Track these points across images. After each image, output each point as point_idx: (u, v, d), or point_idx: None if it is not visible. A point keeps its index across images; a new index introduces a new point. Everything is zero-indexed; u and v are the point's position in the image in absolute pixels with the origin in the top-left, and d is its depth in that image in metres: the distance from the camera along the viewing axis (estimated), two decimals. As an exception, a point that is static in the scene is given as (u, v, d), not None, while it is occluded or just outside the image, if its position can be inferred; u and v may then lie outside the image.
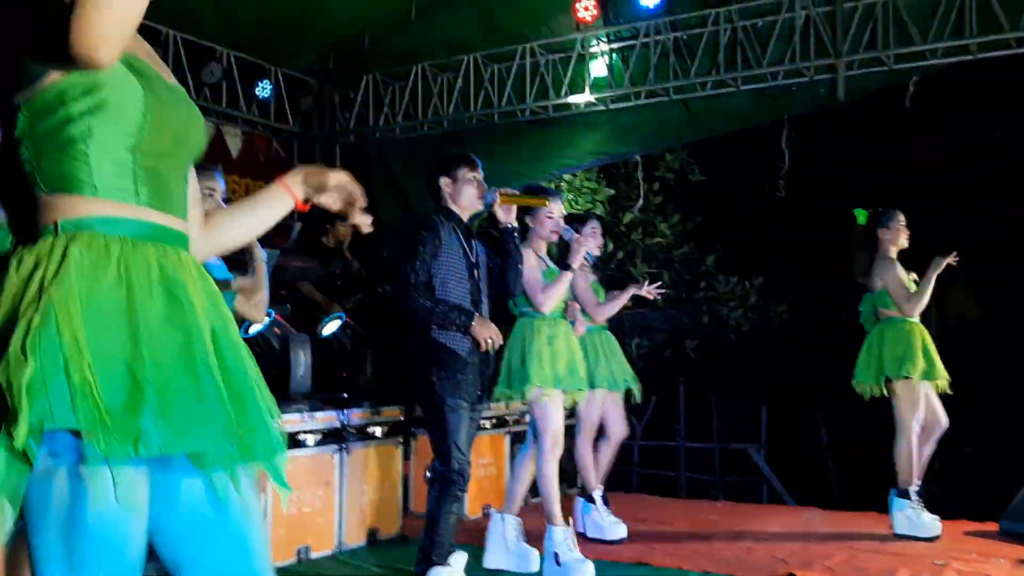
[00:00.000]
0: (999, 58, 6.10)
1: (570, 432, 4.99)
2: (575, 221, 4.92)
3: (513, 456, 5.90)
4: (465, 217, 3.65)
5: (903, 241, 5.03)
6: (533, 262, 4.24)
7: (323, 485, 4.47)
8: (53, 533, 1.35)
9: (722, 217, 10.50)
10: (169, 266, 1.47)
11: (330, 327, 4.86)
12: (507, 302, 4.25)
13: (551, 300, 4.16)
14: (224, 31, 7.45)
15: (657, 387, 9.30)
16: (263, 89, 7.96)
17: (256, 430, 1.49)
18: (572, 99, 7.37)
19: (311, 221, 7.89)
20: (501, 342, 3.63)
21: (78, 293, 1.37)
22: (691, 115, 7.06)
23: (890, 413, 5.12)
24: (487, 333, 3.50)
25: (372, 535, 4.77)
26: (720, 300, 10.23)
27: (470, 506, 5.47)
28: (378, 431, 4.88)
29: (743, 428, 10.42)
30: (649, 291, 5.09)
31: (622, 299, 4.88)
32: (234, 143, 8.17)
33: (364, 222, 1.87)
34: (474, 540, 4.67)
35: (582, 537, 4.82)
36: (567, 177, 8.49)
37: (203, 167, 2.63)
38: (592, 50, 7.31)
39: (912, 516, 4.96)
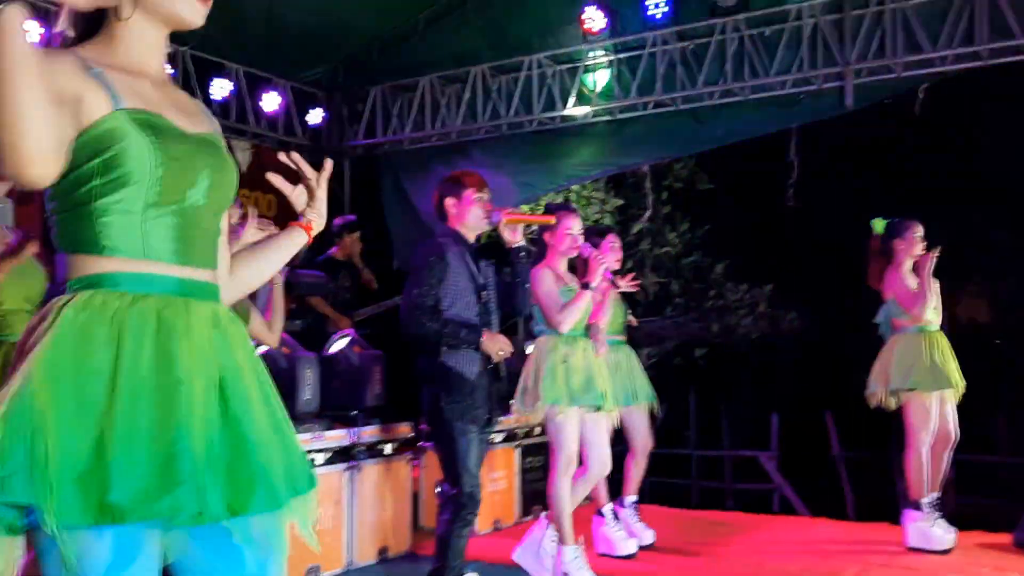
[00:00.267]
0: (1010, 64, 6.06)
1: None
2: (594, 235, 4.89)
3: (524, 470, 5.91)
4: (472, 238, 3.63)
5: (918, 252, 4.99)
6: (550, 281, 4.22)
7: (333, 504, 4.46)
8: None
9: (731, 225, 10.46)
10: (170, 319, 1.47)
11: (338, 345, 4.85)
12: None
13: (569, 319, 4.12)
14: (233, 46, 7.48)
15: (667, 395, 9.27)
16: (270, 102, 7.97)
17: (254, 482, 1.47)
18: (579, 110, 7.37)
19: (319, 235, 7.92)
20: (511, 351, 3.61)
21: (62, 357, 1.39)
22: (699, 125, 7.03)
23: (901, 422, 5.10)
24: (497, 346, 3.50)
25: (382, 553, 4.77)
26: (730, 308, 10.19)
27: (480, 521, 5.45)
28: (388, 448, 4.88)
29: (754, 436, 10.38)
30: (627, 283, 4.96)
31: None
32: (244, 157, 8.19)
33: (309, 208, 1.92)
34: (485, 556, 4.66)
35: (592, 552, 4.81)
36: (575, 187, 8.48)
37: None
38: (599, 60, 7.30)
39: (925, 529, 4.92)
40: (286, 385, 4.36)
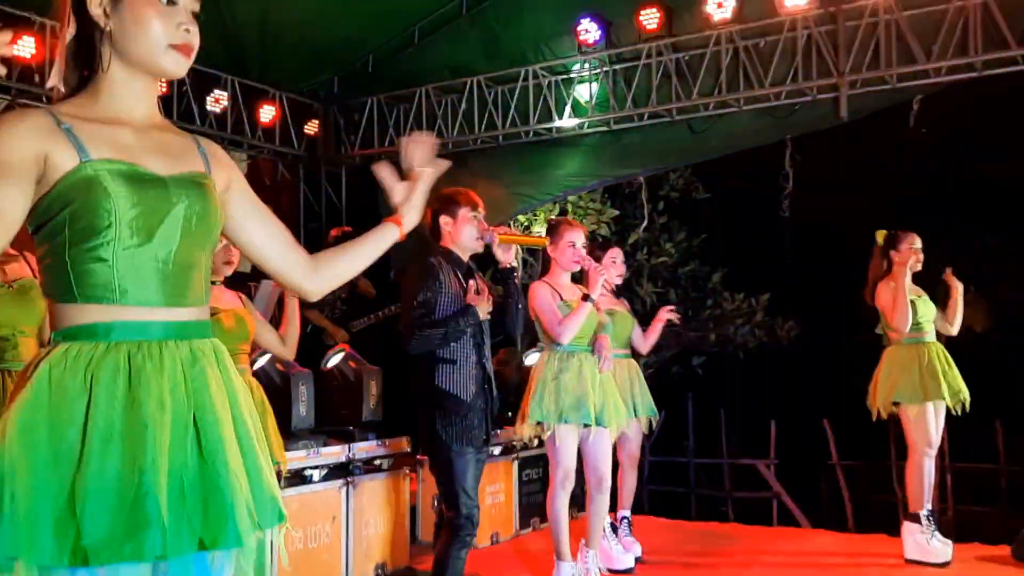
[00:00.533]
0: (1004, 75, 6.08)
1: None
2: (597, 250, 4.93)
3: (522, 482, 5.91)
4: (465, 257, 3.63)
5: (914, 264, 4.98)
6: (546, 294, 4.22)
7: (329, 520, 4.45)
8: None
9: (728, 234, 10.48)
10: (140, 364, 1.53)
11: (334, 360, 4.85)
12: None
13: (569, 330, 4.11)
14: (229, 58, 7.49)
15: (665, 402, 9.27)
16: (266, 113, 7.98)
17: (224, 519, 1.53)
18: (575, 120, 7.38)
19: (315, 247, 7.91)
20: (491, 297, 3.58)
21: (36, 412, 1.47)
22: (694, 136, 7.05)
23: (901, 432, 5.11)
24: (484, 303, 3.50)
25: (380, 569, 4.75)
26: (727, 317, 10.19)
27: (479, 534, 5.43)
28: (385, 463, 4.87)
29: (752, 443, 10.38)
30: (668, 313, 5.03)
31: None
32: (240, 168, 8.18)
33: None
34: (483, 569, 4.65)
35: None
36: (572, 198, 8.49)
37: None
38: (594, 72, 7.31)
39: (922, 541, 4.92)
40: (281, 401, 4.35)
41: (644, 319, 5.53)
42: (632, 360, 5.21)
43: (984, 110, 8.32)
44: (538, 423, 4.14)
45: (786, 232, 7.48)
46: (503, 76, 7.63)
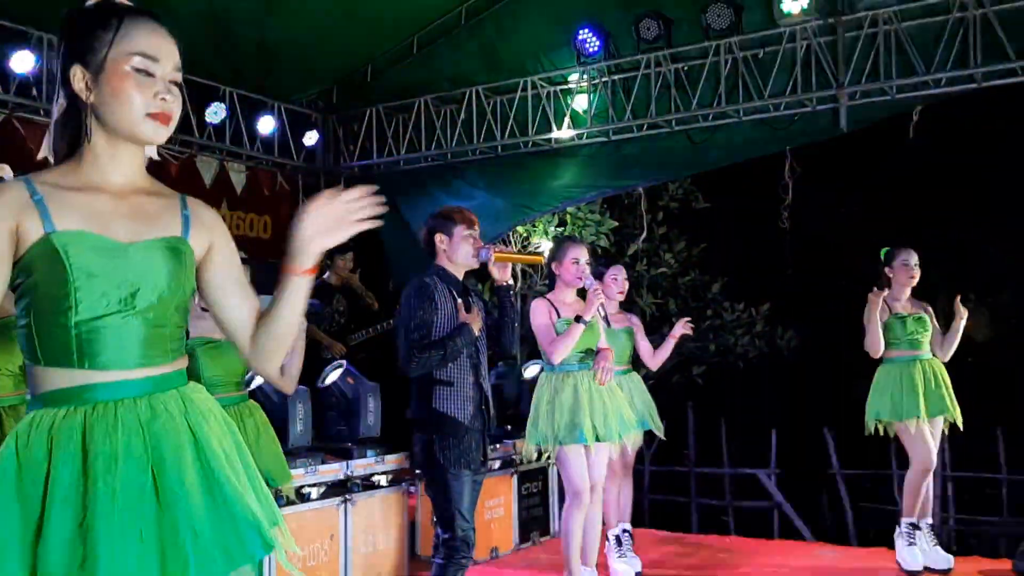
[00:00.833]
0: (1004, 87, 6.06)
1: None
2: (599, 266, 5.03)
3: (521, 496, 5.89)
4: (460, 274, 3.61)
5: (905, 280, 4.99)
6: (544, 312, 4.24)
7: (327, 538, 4.44)
8: None
9: (727, 244, 10.47)
10: (94, 426, 1.62)
11: (331, 376, 4.83)
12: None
13: (559, 351, 4.14)
14: (227, 69, 7.48)
15: (666, 412, 9.23)
16: (265, 124, 7.97)
17: (187, 563, 1.60)
18: (574, 131, 7.36)
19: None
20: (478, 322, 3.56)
21: (5, 481, 1.59)
22: (693, 147, 7.03)
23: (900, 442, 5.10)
24: (476, 320, 3.48)
25: (378, 586, 4.73)
26: (727, 327, 10.17)
27: (478, 549, 5.41)
28: (383, 479, 4.85)
29: (753, 453, 10.35)
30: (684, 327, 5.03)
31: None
32: (239, 179, 8.19)
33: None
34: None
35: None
36: (571, 209, 8.47)
37: None
38: (593, 82, 7.30)
39: (910, 552, 4.91)
40: (279, 419, 4.33)
41: (645, 329, 5.52)
42: (633, 374, 5.20)
43: (984, 121, 8.30)
44: (536, 445, 4.22)
45: (786, 242, 7.46)
46: (502, 87, 7.62)
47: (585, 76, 7.33)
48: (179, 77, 1.73)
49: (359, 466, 4.70)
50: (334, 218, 1.76)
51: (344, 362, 4.97)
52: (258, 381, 4.39)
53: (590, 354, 4.30)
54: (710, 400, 10.67)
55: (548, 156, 7.63)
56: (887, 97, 6.31)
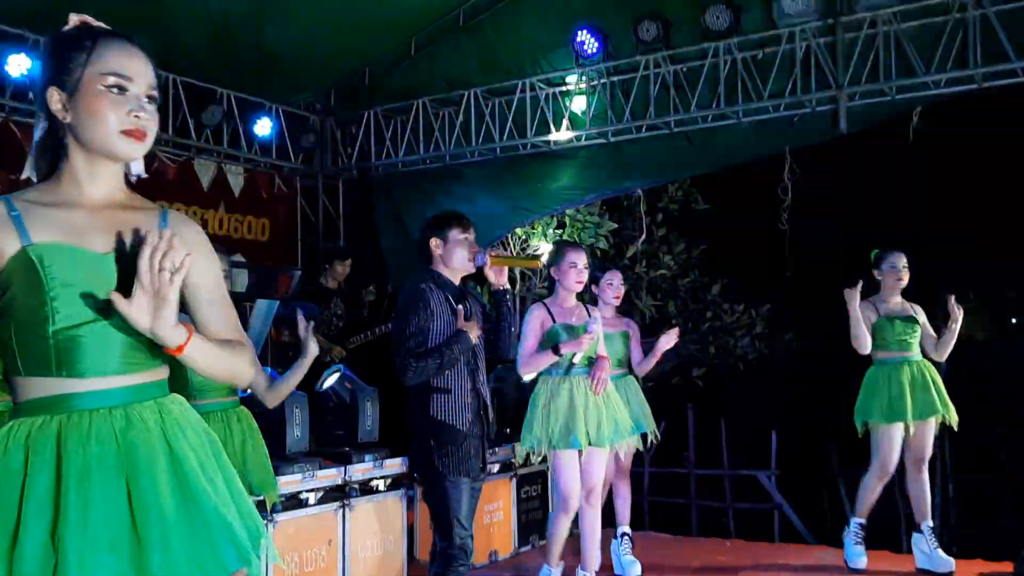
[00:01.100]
0: (1004, 87, 6.04)
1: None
2: (596, 270, 5.04)
3: (520, 500, 5.87)
4: (456, 279, 3.56)
5: (894, 283, 4.99)
6: (535, 321, 4.24)
7: (325, 544, 4.41)
8: None
9: (727, 246, 10.46)
10: (67, 436, 1.66)
11: (329, 381, 4.80)
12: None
13: (527, 369, 4.25)
14: (224, 71, 7.46)
15: (666, 414, 9.23)
16: (263, 127, 7.95)
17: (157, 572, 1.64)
18: (573, 133, 7.34)
19: (310, 262, 7.90)
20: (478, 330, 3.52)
21: None
22: (693, 148, 7.01)
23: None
24: (474, 327, 3.44)
25: (376, 591, 4.71)
26: (727, 329, 10.16)
27: (477, 553, 5.39)
28: (381, 484, 4.82)
29: (753, 454, 10.32)
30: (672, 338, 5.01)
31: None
32: (236, 182, 8.17)
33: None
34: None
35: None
36: (570, 211, 8.45)
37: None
38: (592, 84, 7.28)
39: (856, 551, 5.03)
40: (276, 424, 4.31)
41: (644, 331, 5.51)
42: (629, 378, 5.19)
43: (984, 122, 8.29)
44: (531, 449, 4.26)
45: (785, 244, 7.44)
46: (500, 88, 7.60)
47: (584, 78, 7.31)
48: (155, 94, 1.79)
49: (357, 471, 4.67)
50: (151, 295, 1.65)
51: (342, 366, 4.95)
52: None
53: (589, 362, 4.29)
54: (710, 402, 10.65)
55: (547, 158, 7.62)
56: (887, 98, 6.30)
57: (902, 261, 5.00)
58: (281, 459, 4.26)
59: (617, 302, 5.14)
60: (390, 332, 6.47)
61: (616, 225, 9.00)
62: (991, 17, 5.88)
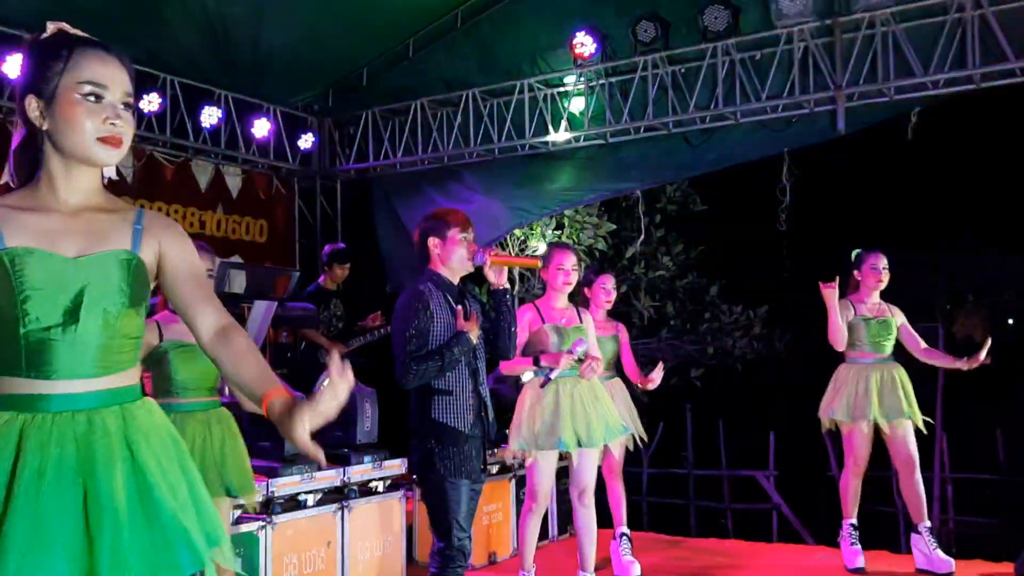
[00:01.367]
0: (1003, 88, 6.04)
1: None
2: (590, 273, 5.11)
3: (519, 501, 5.86)
4: (455, 279, 3.52)
5: (874, 283, 5.01)
6: (524, 322, 4.26)
7: (324, 546, 4.40)
8: None
9: (725, 246, 10.46)
10: (31, 438, 1.70)
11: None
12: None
13: (506, 371, 4.37)
14: (221, 72, 7.45)
15: (664, 415, 9.23)
16: (261, 128, 7.93)
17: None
18: (571, 134, 7.34)
19: (309, 264, 7.88)
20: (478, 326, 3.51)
21: None
22: (691, 149, 7.00)
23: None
24: (475, 327, 3.43)
25: (375, 592, 4.70)
26: (725, 330, 10.16)
27: (476, 554, 5.40)
28: (380, 486, 4.82)
29: (751, 455, 10.33)
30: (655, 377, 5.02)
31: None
32: (234, 183, 8.16)
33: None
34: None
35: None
36: (568, 212, 8.44)
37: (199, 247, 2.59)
38: (590, 85, 7.27)
39: (851, 552, 5.04)
40: (274, 426, 4.29)
41: (642, 332, 5.51)
42: (617, 380, 5.20)
43: (983, 123, 8.29)
44: (518, 449, 4.29)
45: (784, 245, 7.44)
46: (498, 89, 7.59)
47: (582, 78, 7.30)
48: (131, 101, 1.83)
49: (356, 472, 4.66)
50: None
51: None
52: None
53: (579, 362, 4.30)
54: (708, 402, 10.65)
55: (545, 159, 7.61)
56: (885, 99, 6.29)
57: (882, 262, 5.02)
58: (280, 460, 4.25)
59: (609, 306, 5.18)
60: (389, 333, 6.50)
61: (615, 226, 8.99)
62: (989, 17, 5.88)
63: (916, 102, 6.35)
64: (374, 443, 4.88)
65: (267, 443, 4.25)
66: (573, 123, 7.35)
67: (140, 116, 6.82)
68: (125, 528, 1.69)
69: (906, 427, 4.94)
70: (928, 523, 5.06)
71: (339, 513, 4.50)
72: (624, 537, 5.23)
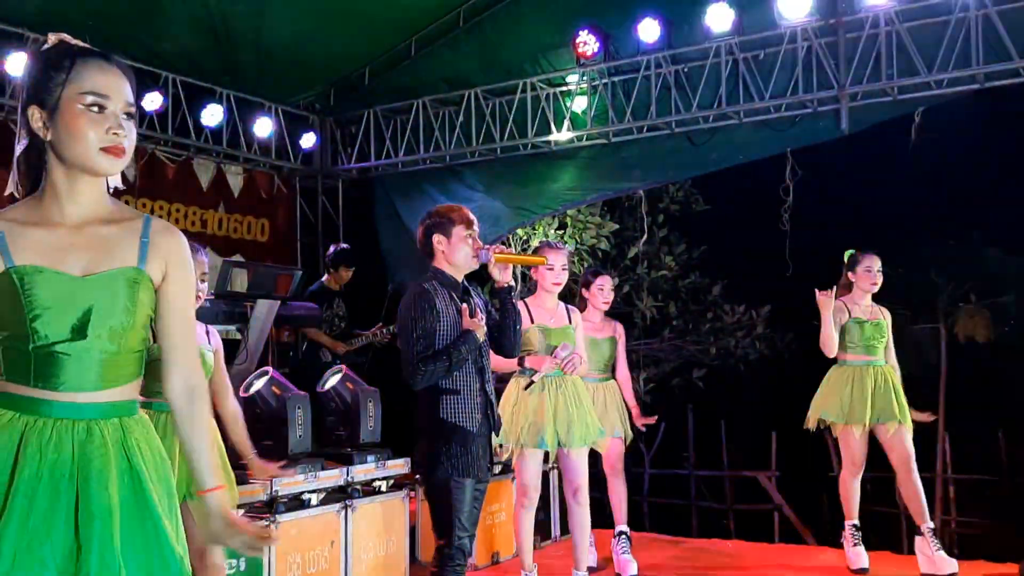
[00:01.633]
0: (1006, 87, 6.03)
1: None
2: (588, 275, 5.08)
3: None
4: (459, 277, 3.48)
5: (867, 286, 5.00)
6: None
7: (328, 545, 4.39)
8: None
9: (728, 246, 10.43)
10: (28, 438, 1.75)
11: (331, 381, 4.78)
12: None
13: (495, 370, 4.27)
14: (224, 71, 7.45)
15: (666, 415, 9.22)
16: (262, 127, 7.92)
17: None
18: (574, 133, 7.33)
19: (310, 265, 7.87)
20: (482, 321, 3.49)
21: None
22: (694, 149, 6.99)
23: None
24: (480, 325, 3.41)
25: (378, 592, 4.68)
26: (727, 330, 10.14)
27: (479, 554, 5.39)
28: (383, 485, 4.80)
29: (753, 456, 10.32)
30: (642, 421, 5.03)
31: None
32: (236, 182, 8.15)
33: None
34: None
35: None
36: (571, 212, 8.43)
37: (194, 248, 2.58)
38: (593, 84, 7.26)
39: (855, 553, 5.01)
40: (278, 425, 4.29)
41: (645, 332, 5.51)
42: (611, 382, 5.18)
43: (987, 122, 8.27)
44: (500, 447, 4.29)
45: (786, 245, 7.42)
46: (501, 88, 7.58)
47: (584, 78, 7.29)
48: (132, 111, 1.85)
49: (359, 472, 4.64)
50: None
51: (343, 367, 4.92)
52: (256, 386, 4.35)
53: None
54: (710, 403, 10.64)
55: (547, 158, 7.60)
56: (888, 98, 6.29)
57: (877, 264, 5.01)
58: (283, 459, 4.23)
59: (606, 307, 5.15)
60: (394, 332, 6.49)
61: (617, 226, 8.98)
62: (992, 16, 5.87)
63: (919, 101, 6.35)
64: (377, 443, 4.86)
65: (269, 441, 4.23)
66: (575, 122, 7.35)
67: (142, 115, 6.82)
68: (117, 536, 1.73)
69: (900, 429, 4.93)
70: (931, 524, 5.04)
71: (343, 512, 4.48)
72: (623, 536, 5.21)
